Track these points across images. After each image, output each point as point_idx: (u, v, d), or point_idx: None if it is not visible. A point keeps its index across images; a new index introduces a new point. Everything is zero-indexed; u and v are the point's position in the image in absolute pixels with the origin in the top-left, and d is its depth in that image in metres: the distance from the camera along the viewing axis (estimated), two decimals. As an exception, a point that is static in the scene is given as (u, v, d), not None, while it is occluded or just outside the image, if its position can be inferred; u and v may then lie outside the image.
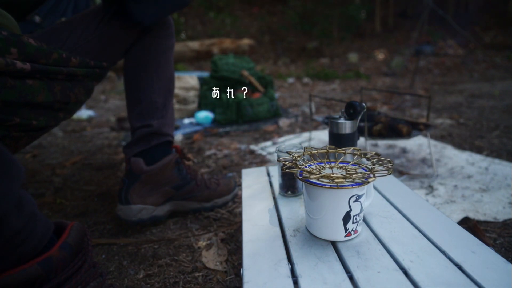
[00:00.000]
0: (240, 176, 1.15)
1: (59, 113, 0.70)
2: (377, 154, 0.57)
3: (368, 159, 0.57)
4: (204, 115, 2.05)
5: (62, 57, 0.66)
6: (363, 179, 0.50)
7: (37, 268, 0.46)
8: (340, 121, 0.73)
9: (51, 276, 0.48)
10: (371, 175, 0.51)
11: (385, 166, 0.53)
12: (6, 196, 0.44)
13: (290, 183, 0.71)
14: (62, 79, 0.68)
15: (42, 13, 0.91)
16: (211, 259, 0.78)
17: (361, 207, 0.52)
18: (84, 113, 2.52)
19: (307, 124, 2.04)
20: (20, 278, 0.45)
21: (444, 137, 1.65)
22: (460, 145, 1.51)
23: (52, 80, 0.65)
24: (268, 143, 1.66)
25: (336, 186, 0.49)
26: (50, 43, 0.70)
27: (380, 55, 5.88)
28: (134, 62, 0.92)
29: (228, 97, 2.07)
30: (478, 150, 1.44)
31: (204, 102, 2.22)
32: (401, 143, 1.55)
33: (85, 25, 0.78)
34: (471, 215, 0.91)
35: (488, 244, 0.70)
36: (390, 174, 0.51)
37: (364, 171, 0.53)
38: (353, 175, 0.50)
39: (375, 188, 0.73)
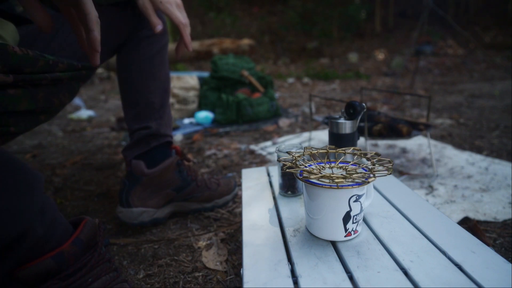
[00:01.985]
0: (240, 176, 1.15)
1: (41, 116, 0.67)
2: (377, 154, 0.57)
3: (368, 159, 0.57)
4: (204, 115, 2.05)
5: (49, 64, 0.62)
6: (363, 179, 0.50)
7: (50, 262, 0.50)
8: (340, 121, 0.73)
9: (63, 268, 0.52)
10: (371, 175, 0.51)
11: (385, 166, 0.53)
12: (30, 209, 0.48)
13: (290, 183, 0.71)
14: (47, 84, 0.64)
15: None
16: (211, 259, 0.78)
17: (361, 207, 0.52)
18: (84, 113, 2.52)
19: (307, 124, 2.04)
20: (35, 271, 0.49)
21: (444, 137, 1.65)
22: (460, 145, 1.51)
23: (35, 86, 0.61)
24: (268, 143, 1.66)
25: (336, 186, 0.49)
26: (35, 45, 0.67)
27: (380, 55, 5.88)
28: (128, 62, 0.90)
29: (228, 97, 2.07)
30: (478, 150, 1.44)
31: (204, 102, 2.22)
32: (401, 143, 1.55)
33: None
34: (471, 215, 0.91)
35: (488, 244, 0.70)
36: (390, 174, 0.52)
37: (364, 171, 0.53)
38: (353, 175, 0.50)
39: (375, 188, 0.73)
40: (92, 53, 0.52)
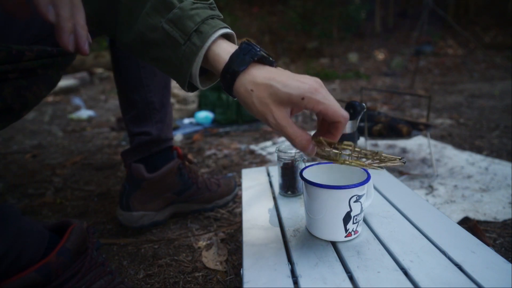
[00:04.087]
0: (240, 176, 1.15)
1: (22, 112, 0.61)
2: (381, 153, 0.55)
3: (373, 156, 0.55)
4: (204, 115, 2.05)
5: (11, 54, 0.54)
6: (393, 162, 0.48)
7: (35, 275, 0.47)
8: (340, 121, 0.73)
9: (52, 279, 0.49)
10: (397, 160, 0.48)
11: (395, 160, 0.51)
12: None
13: (290, 183, 0.71)
14: (15, 78, 0.56)
15: None
16: (211, 259, 0.78)
17: (362, 208, 0.52)
18: (84, 113, 2.52)
19: (307, 124, 2.04)
20: (19, 286, 0.46)
21: (444, 137, 1.65)
22: (460, 145, 1.51)
23: (0, 82, 0.55)
24: (268, 143, 1.66)
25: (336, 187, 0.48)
26: (4, 35, 0.60)
27: (380, 55, 5.88)
28: (123, 56, 0.84)
29: (228, 97, 2.07)
30: (478, 150, 1.44)
31: (204, 102, 2.22)
32: (401, 143, 1.54)
33: None
34: (471, 215, 0.91)
35: (488, 244, 0.70)
36: (404, 164, 0.50)
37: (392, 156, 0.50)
38: (382, 157, 0.48)
39: (375, 188, 0.73)
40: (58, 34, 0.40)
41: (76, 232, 0.54)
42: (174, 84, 2.19)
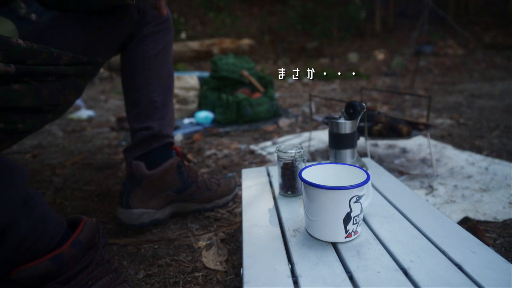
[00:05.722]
0: (240, 176, 1.15)
1: (48, 114, 0.67)
2: None
3: None
4: (204, 115, 2.05)
5: (53, 56, 0.61)
6: None
7: (48, 264, 0.49)
8: (340, 121, 0.73)
9: (63, 270, 0.50)
10: None
11: None
12: (10, 203, 0.46)
13: (290, 183, 0.71)
14: (53, 81, 0.63)
15: (39, 11, 0.85)
16: (211, 259, 0.78)
17: (361, 208, 0.52)
18: (84, 113, 2.52)
19: (307, 124, 2.04)
20: (33, 273, 0.48)
21: (444, 137, 1.65)
22: (460, 145, 1.51)
23: (41, 83, 0.61)
24: (268, 143, 1.66)
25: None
26: (41, 41, 0.66)
27: (380, 55, 5.87)
28: (131, 59, 0.89)
29: (228, 97, 2.07)
30: (478, 150, 1.44)
31: (204, 102, 2.22)
32: (401, 143, 1.54)
33: (75, 18, 0.73)
34: (471, 215, 0.91)
35: (488, 244, 0.70)
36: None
37: None
38: None
39: (375, 188, 0.73)
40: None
41: (88, 226, 0.55)
42: (174, 85, 2.19)
